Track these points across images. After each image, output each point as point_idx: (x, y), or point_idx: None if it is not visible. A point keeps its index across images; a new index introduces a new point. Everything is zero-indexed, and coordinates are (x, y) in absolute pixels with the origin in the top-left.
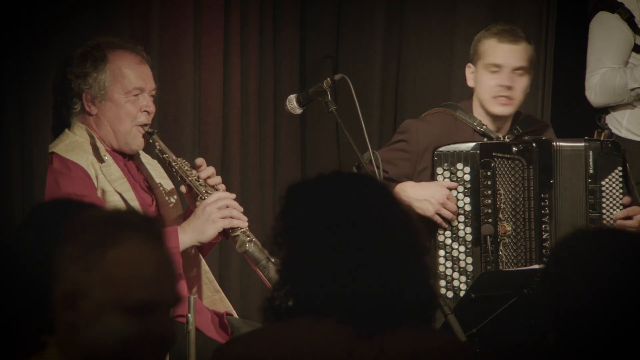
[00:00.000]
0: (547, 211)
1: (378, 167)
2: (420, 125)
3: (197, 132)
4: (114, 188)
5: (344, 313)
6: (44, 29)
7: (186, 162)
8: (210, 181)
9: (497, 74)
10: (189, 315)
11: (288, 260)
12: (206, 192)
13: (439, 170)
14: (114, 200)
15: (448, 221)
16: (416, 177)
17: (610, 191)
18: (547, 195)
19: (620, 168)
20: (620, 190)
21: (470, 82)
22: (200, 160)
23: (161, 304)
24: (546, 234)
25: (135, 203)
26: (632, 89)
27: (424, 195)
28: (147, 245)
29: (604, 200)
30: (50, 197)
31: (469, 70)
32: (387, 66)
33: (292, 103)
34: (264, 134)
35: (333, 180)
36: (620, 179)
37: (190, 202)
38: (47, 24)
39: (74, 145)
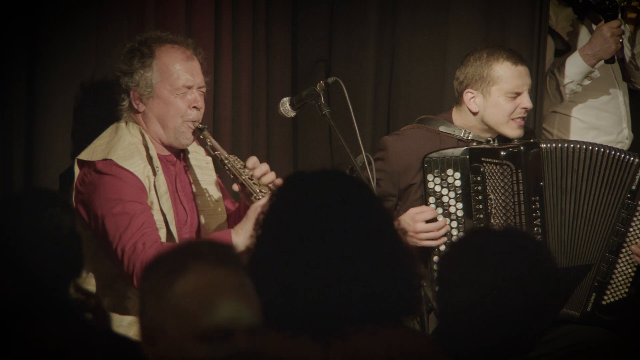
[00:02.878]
0: (539, 214)
1: (371, 170)
2: (397, 143)
3: None
4: (160, 206)
5: (297, 323)
6: (43, 28)
7: (239, 160)
8: (265, 179)
9: (519, 97)
10: None
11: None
12: (260, 191)
13: (430, 177)
14: (156, 220)
15: (441, 232)
16: (401, 194)
17: None
18: (537, 198)
19: None
20: None
21: (474, 108)
22: (252, 160)
23: (235, 330)
24: (539, 237)
25: (172, 226)
26: (564, 85)
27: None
28: (215, 272)
29: (634, 219)
30: (105, 199)
31: (470, 95)
32: (380, 69)
33: (285, 106)
34: (256, 137)
35: (297, 183)
36: None
37: (245, 200)
38: (47, 24)
39: (132, 150)
